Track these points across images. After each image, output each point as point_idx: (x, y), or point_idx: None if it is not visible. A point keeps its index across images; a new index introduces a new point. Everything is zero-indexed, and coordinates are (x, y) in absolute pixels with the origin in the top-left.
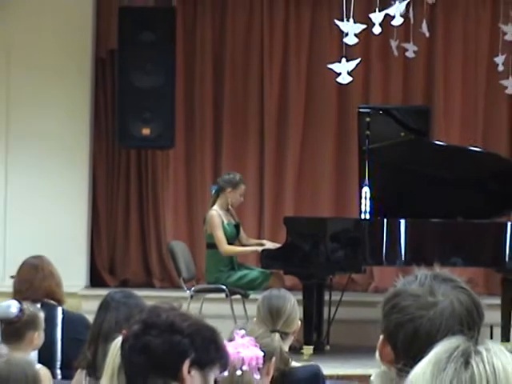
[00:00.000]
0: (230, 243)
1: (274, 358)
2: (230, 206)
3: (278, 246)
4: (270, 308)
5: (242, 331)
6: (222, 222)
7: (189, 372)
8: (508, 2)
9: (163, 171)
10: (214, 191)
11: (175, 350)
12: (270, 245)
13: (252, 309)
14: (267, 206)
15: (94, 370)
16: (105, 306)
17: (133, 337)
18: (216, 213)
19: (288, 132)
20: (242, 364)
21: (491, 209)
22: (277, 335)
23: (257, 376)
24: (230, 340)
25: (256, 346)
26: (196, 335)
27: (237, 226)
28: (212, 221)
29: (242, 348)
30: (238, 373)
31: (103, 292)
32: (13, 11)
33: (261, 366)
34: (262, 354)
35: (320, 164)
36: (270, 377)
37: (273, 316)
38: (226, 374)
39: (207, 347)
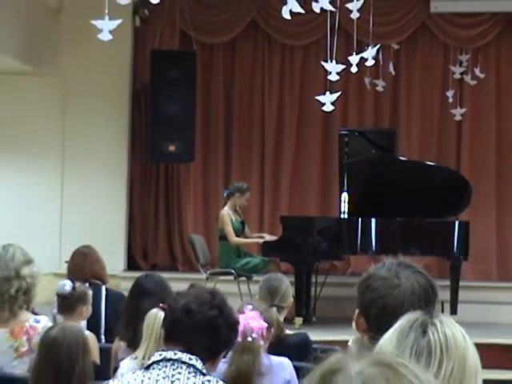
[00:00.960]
0: (236, 236)
1: (272, 328)
2: (237, 208)
3: (275, 238)
4: (269, 288)
5: (250, 306)
6: (231, 219)
7: None
8: (456, 48)
9: (185, 180)
10: (225, 194)
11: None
12: (268, 237)
13: (255, 288)
14: (267, 207)
15: (132, 342)
16: (137, 288)
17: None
18: (226, 212)
19: (283, 151)
20: (252, 332)
21: (443, 210)
22: (274, 309)
23: (262, 342)
24: (240, 312)
25: (261, 318)
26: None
27: (242, 223)
28: (223, 218)
29: (252, 320)
30: (249, 339)
31: (137, 274)
32: (68, 52)
33: (265, 334)
34: (266, 325)
35: (309, 174)
36: (268, 341)
37: (271, 294)
38: (239, 339)
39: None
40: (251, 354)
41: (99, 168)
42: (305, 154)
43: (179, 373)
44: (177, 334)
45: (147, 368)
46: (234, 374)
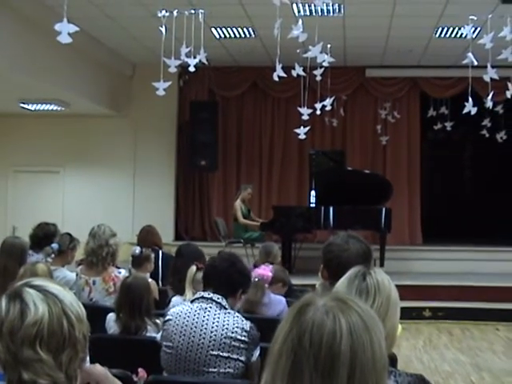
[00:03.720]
0: (244, 218)
1: (280, 283)
2: (245, 200)
3: (267, 221)
4: (265, 251)
5: (268, 266)
6: (241, 208)
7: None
8: (382, 99)
9: (212, 182)
10: (237, 193)
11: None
12: (262, 221)
13: (256, 251)
14: (263, 200)
15: (175, 286)
16: (178, 253)
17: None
18: (237, 203)
19: (274, 164)
20: (257, 276)
21: (375, 200)
22: (277, 266)
23: (266, 285)
24: (256, 266)
25: (270, 271)
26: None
27: (249, 210)
28: (235, 207)
29: (261, 270)
30: (256, 279)
31: (181, 243)
32: (137, 102)
33: (268, 280)
34: (271, 275)
35: (291, 179)
36: (280, 291)
37: (266, 255)
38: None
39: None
40: (256, 288)
41: (157, 175)
42: (288, 166)
43: (210, 307)
44: (208, 280)
45: (192, 302)
46: (245, 300)
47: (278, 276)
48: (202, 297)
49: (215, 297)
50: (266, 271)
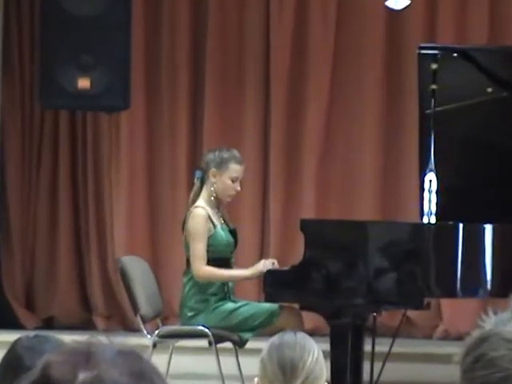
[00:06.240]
0: (224, 259)
1: None
2: (220, 197)
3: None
4: (280, 362)
5: None
6: (215, 227)
7: None
8: None
9: (112, 144)
10: (196, 178)
11: None
12: (270, 264)
13: (250, 364)
14: (273, 204)
15: None
16: (12, 366)
17: None
18: (204, 212)
19: (307, 85)
20: None
21: None
22: None
23: None
24: None
25: None
26: None
27: (233, 233)
28: (196, 224)
29: None
30: None
31: (15, 336)
32: None
33: None
34: None
35: (357, 135)
36: None
37: (285, 374)
38: None
39: None
40: None
41: None
42: (349, 95)
43: None
44: None
45: None
46: None
47: None
48: None
49: None
50: None
